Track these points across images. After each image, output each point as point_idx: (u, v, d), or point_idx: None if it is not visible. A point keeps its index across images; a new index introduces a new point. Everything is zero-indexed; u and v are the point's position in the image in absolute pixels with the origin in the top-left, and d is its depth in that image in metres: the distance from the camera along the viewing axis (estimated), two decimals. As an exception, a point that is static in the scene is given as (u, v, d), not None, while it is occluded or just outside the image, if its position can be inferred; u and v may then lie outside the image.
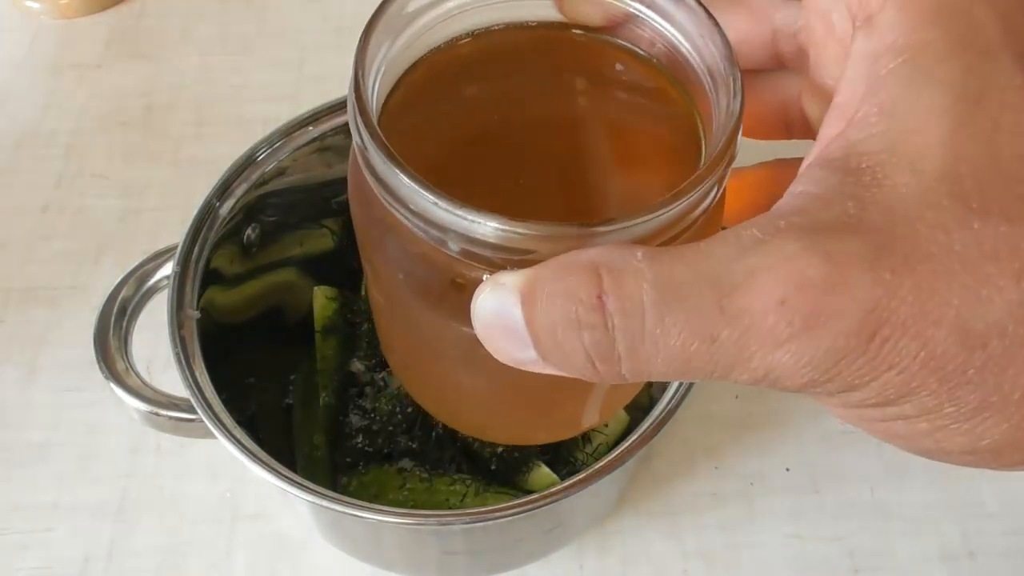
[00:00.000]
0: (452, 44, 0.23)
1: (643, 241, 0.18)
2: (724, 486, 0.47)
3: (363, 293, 0.47)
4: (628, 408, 0.44)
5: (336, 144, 0.42)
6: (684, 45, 0.21)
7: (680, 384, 0.34)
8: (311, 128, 0.41)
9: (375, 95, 0.21)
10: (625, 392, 0.29)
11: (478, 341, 0.18)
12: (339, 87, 0.44)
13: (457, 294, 0.19)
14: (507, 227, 0.17)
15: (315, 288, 0.47)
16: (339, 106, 0.42)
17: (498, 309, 0.18)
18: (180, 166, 0.59)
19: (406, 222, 0.19)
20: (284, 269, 0.46)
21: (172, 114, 0.62)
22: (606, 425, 0.43)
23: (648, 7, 0.22)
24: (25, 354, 0.51)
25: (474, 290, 0.18)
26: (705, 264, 0.16)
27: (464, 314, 0.18)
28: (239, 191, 0.40)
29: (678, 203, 0.18)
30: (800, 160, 0.25)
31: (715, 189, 0.19)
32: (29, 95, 0.63)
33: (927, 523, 0.46)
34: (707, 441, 0.48)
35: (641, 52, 0.23)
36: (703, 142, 0.21)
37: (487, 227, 0.17)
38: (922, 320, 0.16)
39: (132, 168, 0.59)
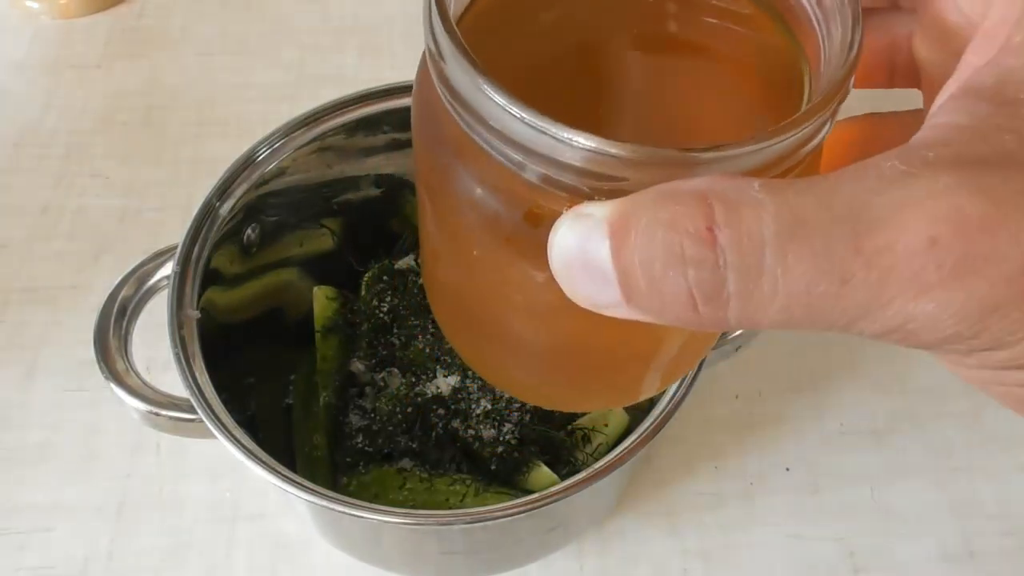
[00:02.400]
0: None
1: (747, 175, 0.16)
2: (724, 486, 0.47)
3: (362, 293, 0.47)
4: (628, 408, 0.44)
5: (336, 144, 0.42)
6: None
7: (680, 384, 0.34)
8: (311, 128, 0.41)
9: (453, 2, 0.18)
10: (690, 359, 0.26)
11: (548, 287, 0.16)
12: (339, 87, 0.44)
13: (532, 229, 0.17)
14: (601, 146, 0.15)
15: (315, 288, 0.47)
16: (339, 106, 0.42)
17: (581, 243, 0.15)
18: (180, 166, 0.59)
19: (482, 142, 0.17)
20: (284, 269, 0.46)
21: (172, 114, 0.62)
22: (606, 425, 0.44)
23: None
24: (25, 354, 0.51)
25: (551, 225, 0.16)
26: (839, 197, 0.14)
27: (536, 253, 0.16)
28: (239, 191, 0.40)
29: (792, 134, 0.16)
30: (898, 114, 0.23)
31: (828, 124, 0.17)
32: (29, 95, 0.63)
33: (927, 523, 0.46)
34: (707, 441, 0.48)
35: None
36: (807, 79, 0.20)
37: (578, 147, 0.15)
38: None
39: (132, 168, 0.59)
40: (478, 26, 0.20)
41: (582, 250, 0.15)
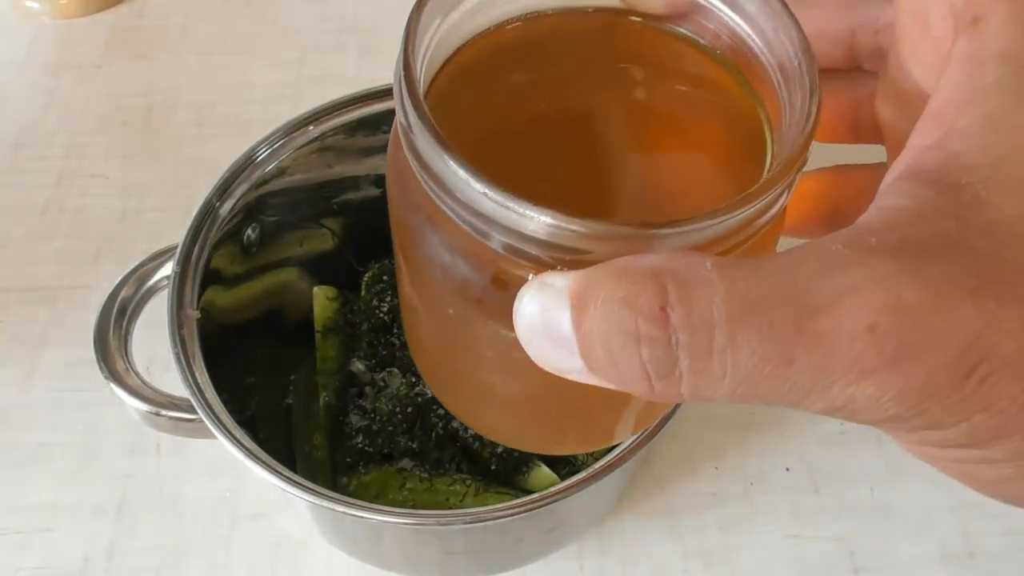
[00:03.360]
0: (502, 26, 0.21)
1: (704, 247, 0.17)
2: (724, 486, 0.47)
3: (362, 293, 0.47)
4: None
5: (336, 144, 0.42)
6: (753, 38, 0.20)
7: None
8: (311, 128, 0.41)
9: (422, 75, 0.19)
10: (663, 406, 0.27)
11: (516, 345, 0.17)
12: (339, 87, 0.44)
13: (499, 293, 0.18)
14: (560, 223, 0.16)
15: (315, 288, 0.47)
16: (339, 106, 0.42)
17: (544, 312, 0.16)
18: (180, 166, 0.59)
19: (449, 212, 0.17)
20: (284, 269, 0.46)
21: (172, 114, 0.62)
22: (606, 425, 0.43)
23: None
24: (25, 354, 0.51)
25: (518, 290, 0.17)
26: (785, 279, 0.15)
27: (504, 315, 0.17)
28: (239, 191, 0.40)
29: (748, 207, 0.16)
30: (864, 167, 0.23)
31: (784, 194, 0.18)
32: (29, 95, 0.63)
33: (927, 523, 0.46)
34: (707, 441, 0.48)
35: (704, 43, 0.21)
36: (769, 143, 0.20)
37: (538, 222, 0.16)
38: None
39: (132, 168, 0.59)
40: (450, 89, 0.20)
41: (545, 319, 0.16)
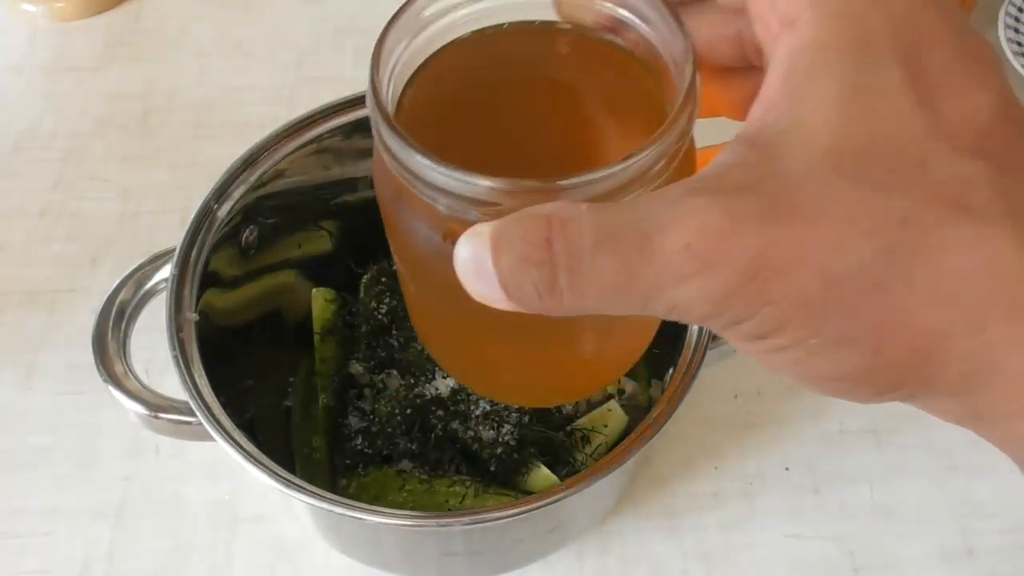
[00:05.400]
0: (460, 40, 0.27)
1: (606, 197, 0.21)
2: (724, 486, 0.47)
3: (361, 295, 0.47)
4: (628, 408, 0.44)
5: (333, 146, 0.42)
6: (656, 40, 0.25)
7: (680, 384, 0.35)
8: (309, 130, 0.41)
9: (391, 87, 0.25)
10: (622, 345, 0.31)
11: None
12: (336, 89, 0.44)
13: (450, 245, 0.22)
14: (480, 182, 0.21)
15: (313, 290, 0.47)
16: (337, 108, 0.42)
17: (473, 254, 0.21)
18: (178, 169, 0.59)
19: (409, 184, 0.22)
20: (282, 271, 0.46)
21: (170, 117, 0.62)
22: (605, 425, 0.44)
23: (628, 10, 0.26)
24: (24, 357, 0.51)
25: None
26: (634, 215, 0.20)
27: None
28: (237, 193, 0.40)
29: (627, 163, 0.21)
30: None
31: (663, 156, 0.22)
32: (27, 98, 0.63)
33: (927, 523, 0.46)
34: (707, 441, 0.48)
35: (623, 45, 0.27)
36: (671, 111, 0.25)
37: (468, 183, 0.21)
38: (793, 265, 0.19)
39: (130, 171, 0.59)
40: (415, 99, 0.26)
41: (474, 259, 0.21)
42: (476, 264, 0.21)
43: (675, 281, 0.19)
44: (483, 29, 0.27)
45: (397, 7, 0.25)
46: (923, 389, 0.21)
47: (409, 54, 0.26)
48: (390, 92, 0.25)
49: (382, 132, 0.23)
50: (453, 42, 0.27)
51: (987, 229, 0.19)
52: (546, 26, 0.27)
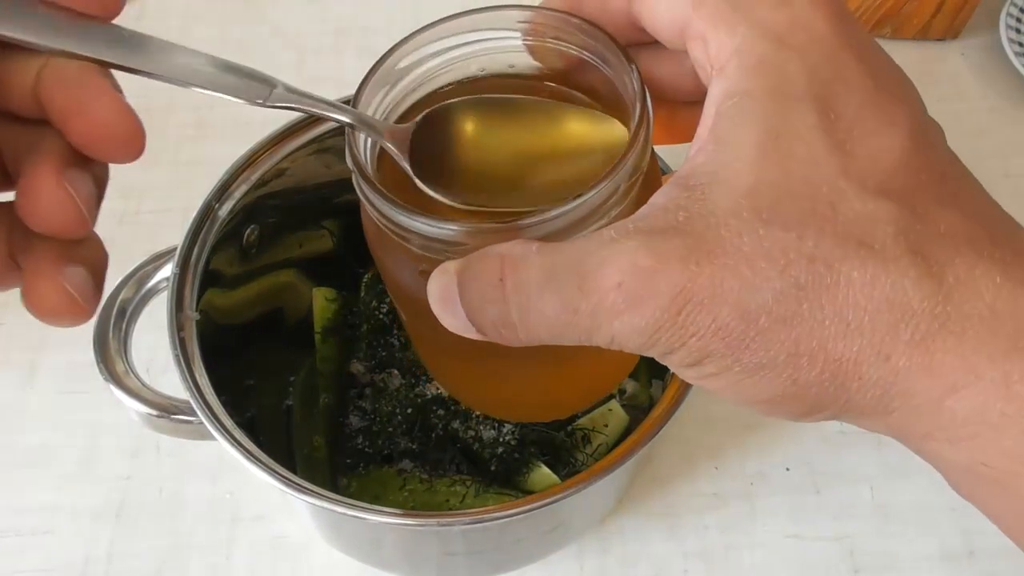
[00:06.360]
0: (438, 91, 0.30)
1: (567, 231, 0.23)
2: (724, 486, 0.47)
3: (362, 294, 0.47)
4: (628, 408, 0.44)
5: (335, 145, 0.42)
6: (616, 80, 0.27)
7: (680, 385, 0.35)
8: (310, 129, 0.41)
9: (369, 153, 0.28)
10: (609, 362, 0.32)
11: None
12: (338, 88, 0.44)
13: (424, 279, 0.24)
14: (445, 227, 0.23)
15: (314, 289, 0.47)
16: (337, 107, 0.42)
17: (442, 289, 0.23)
18: (179, 168, 0.59)
19: (385, 228, 0.25)
20: (283, 270, 0.46)
21: (171, 116, 0.62)
22: (606, 425, 0.44)
23: (590, 52, 0.28)
24: (25, 356, 0.51)
25: None
26: (575, 256, 0.21)
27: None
28: (238, 192, 0.40)
29: (578, 201, 0.23)
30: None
31: (614, 192, 0.24)
32: (28, 97, 0.63)
33: (927, 523, 0.46)
34: (707, 441, 0.48)
35: (583, 94, 0.29)
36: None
37: (433, 228, 0.23)
38: (714, 300, 0.20)
39: (131, 170, 0.58)
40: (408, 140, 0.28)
41: (444, 293, 0.23)
42: (446, 298, 0.23)
43: (610, 316, 0.21)
44: (460, 79, 0.30)
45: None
46: (844, 412, 0.22)
47: (389, 102, 0.29)
48: (367, 152, 0.27)
49: (363, 187, 0.25)
50: (432, 92, 0.30)
51: (888, 264, 0.21)
52: (520, 75, 0.30)
